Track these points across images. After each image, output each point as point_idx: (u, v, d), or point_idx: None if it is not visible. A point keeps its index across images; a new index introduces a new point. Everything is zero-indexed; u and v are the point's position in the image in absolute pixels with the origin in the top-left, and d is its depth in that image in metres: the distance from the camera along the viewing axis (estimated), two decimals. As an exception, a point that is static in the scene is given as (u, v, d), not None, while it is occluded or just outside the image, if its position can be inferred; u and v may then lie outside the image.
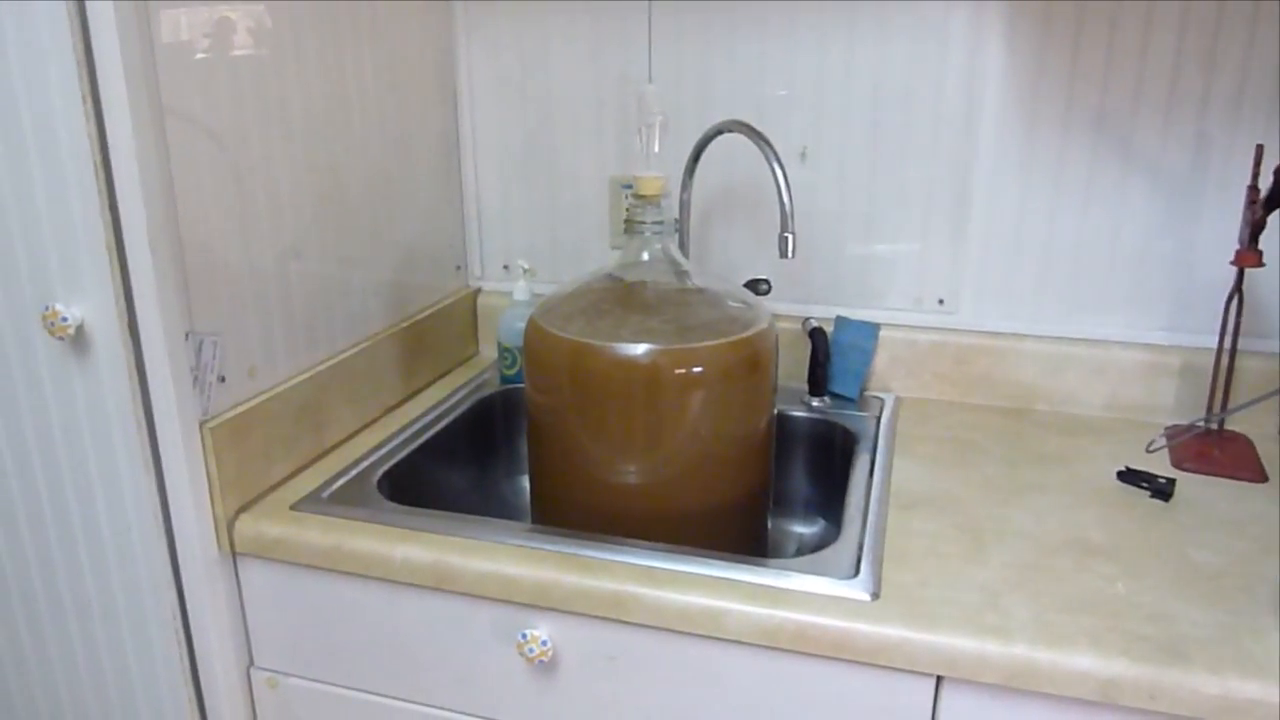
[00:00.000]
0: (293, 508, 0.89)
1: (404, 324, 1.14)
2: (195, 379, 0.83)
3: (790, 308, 1.19)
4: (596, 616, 0.78)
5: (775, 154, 0.96)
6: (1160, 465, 0.96)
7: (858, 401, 1.14)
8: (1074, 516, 0.87)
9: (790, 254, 0.96)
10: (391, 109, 1.10)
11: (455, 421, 1.09)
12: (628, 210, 0.92)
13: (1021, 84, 1.05)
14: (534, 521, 0.96)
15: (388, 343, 1.11)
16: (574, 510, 0.92)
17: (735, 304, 0.96)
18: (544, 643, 0.80)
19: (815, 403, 1.13)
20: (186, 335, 0.82)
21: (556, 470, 0.92)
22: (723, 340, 0.89)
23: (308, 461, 0.97)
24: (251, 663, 0.93)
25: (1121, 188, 1.05)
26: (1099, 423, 1.08)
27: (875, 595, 0.74)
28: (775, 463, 1.12)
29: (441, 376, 1.23)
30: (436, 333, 1.22)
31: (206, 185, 0.82)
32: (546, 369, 0.90)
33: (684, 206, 1.13)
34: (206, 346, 0.84)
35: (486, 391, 1.17)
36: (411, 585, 0.83)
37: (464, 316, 1.29)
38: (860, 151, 1.12)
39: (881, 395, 1.15)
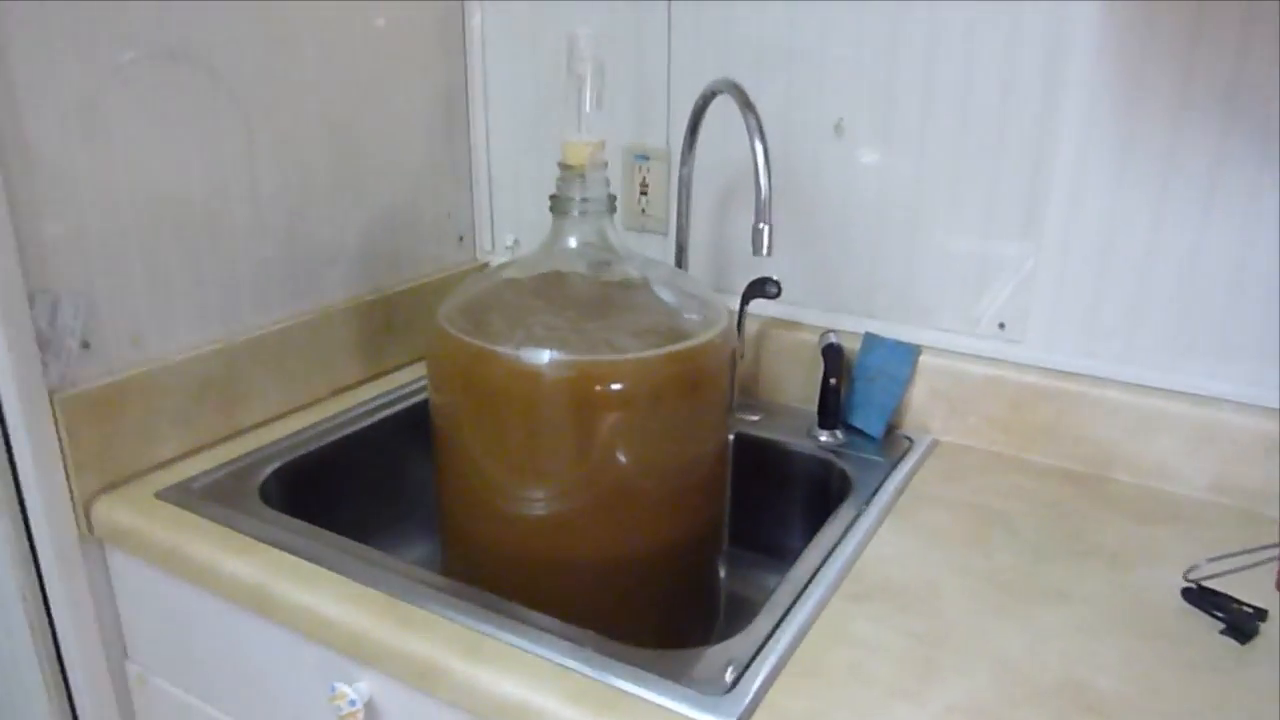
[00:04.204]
0: (158, 495, 0.79)
1: (371, 297, 1.02)
2: (45, 344, 0.74)
3: (813, 316, 0.97)
4: (409, 683, 0.63)
5: (758, 122, 0.76)
6: (1255, 585, 0.68)
7: (881, 441, 0.91)
8: (1089, 647, 0.62)
9: (765, 251, 0.76)
10: (366, 48, 0.97)
11: (400, 414, 0.97)
12: (557, 184, 0.74)
13: (1121, 47, 0.78)
14: (443, 552, 0.82)
15: (345, 316, 0.99)
16: (475, 544, 0.77)
17: (682, 305, 0.77)
18: (352, 702, 0.65)
19: (823, 437, 0.91)
20: (32, 295, 0.73)
21: (456, 494, 0.77)
22: (653, 353, 0.70)
23: (209, 443, 0.87)
24: (126, 655, 0.85)
25: (1256, 191, 0.76)
26: (1193, 508, 0.80)
27: (736, 727, 0.55)
28: (767, 505, 0.93)
29: (423, 358, 1.11)
30: (424, 309, 1.09)
31: (70, 106, 0.73)
32: (443, 374, 0.75)
33: (683, 185, 0.94)
34: (65, 308, 0.75)
35: (458, 380, 1.04)
36: (244, 606, 0.71)
37: (466, 293, 1.16)
38: (908, 127, 0.88)
39: (913, 437, 0.92)
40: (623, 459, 0.71)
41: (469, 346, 0.70)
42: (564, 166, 0.73)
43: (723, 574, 0.85)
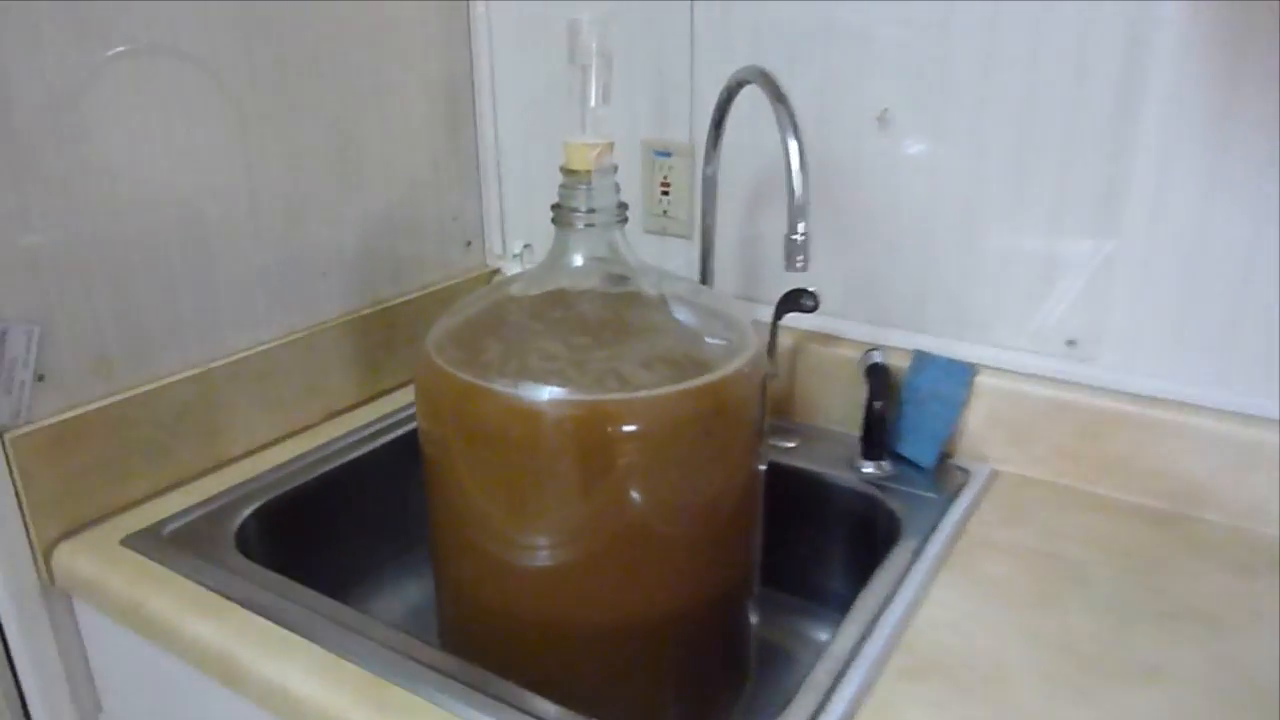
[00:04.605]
0: (124, 541, 0.71)
1: (368, 310, 0.94)
2: (-7, 376, 0.67)
3: (855, 329, 0.87)
4: (388, 778, 0.55)
5: (790, 115, 0.66)
6: (1386, 661, 0.58)
7: (933, 472, 0.81)
8: (1190, 743, 0.52)
9: (799, 265, 0.66)
10: (364, 39, 0.88)
11: (400, 440, 0.88)
12: (560, 192, 0.65)
13: (1214, 24, 0.66)
14: (438, 603, 0.73)
15: (340, 332, 0.91)
16: (471, 598, 0.68)
17: (704, 327, 0.67)
18: (323, 797, 0.57)
19: (868, 468, 0.81)
20: (-27, 323, 0.65)
21: (448, 537, 0.68)
22: (668, 389, 0.61)
23: (187, 478, 0.79)
24: (100, 709, 0.78)
25: (1384, 191, 0.64)
26: (1302, 558, 0.69)
27: None
28: (804, 542, 0.83)
29: (430, 374, 1.02)
30: (428, 321, 1.01)
31: (44, 102, 0.65)
32: (431, 406, 0.66)
33: (708, 184, 0.84)
34: (15, 337, 0.68)
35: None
36: (209, 674, 0.63)
37: (476, 302, 1.07)
38: (963, 116, 0.77)
39: (969, 467, 0.81)
40: (634, 505, 0.62)
41: (457, 381, 0.61)
42: (566, 172, 0.64)
43: (754, 620, 0.76)
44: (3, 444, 0.67)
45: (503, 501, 0.63)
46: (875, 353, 0.83)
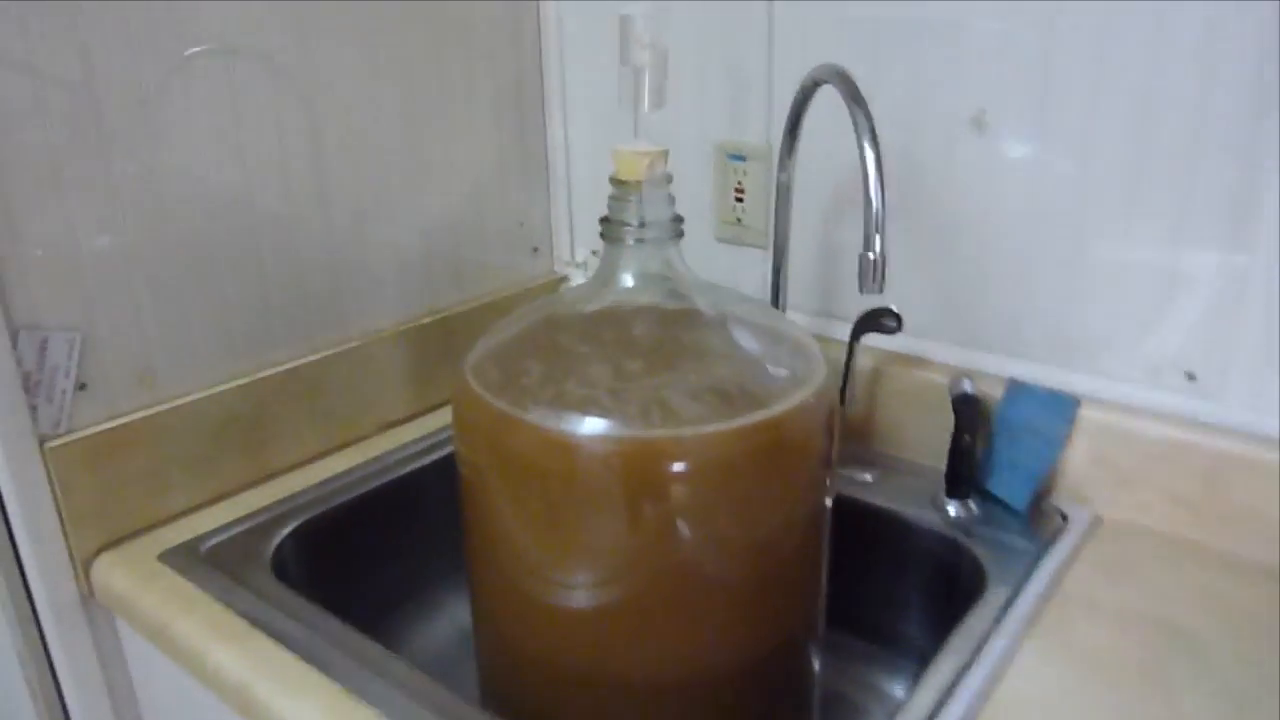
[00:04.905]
0: (161, 557, 0.69)
1: (426, 319, 0.91)
2: (33, 387, 0.65)
3: (943, 352, 0.79)
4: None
5: (868, 120, 0.60)
6: None
7: (1026, 516, 0.72)
8: None
9: (875, 286, 0.59)
10: (432, 36, 0.85)
11: (444, 460, 0.84)
12: (609, 204, 0.60)
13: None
14: (476, 641, 0.69)
15: (396, 341, 0.88)
16: (509, 641, 0.63)
17: (767, 353, 0.61)
18: None
19: (952, 509, 0.73)
20: (14, 333, 0.64)
21: (485, 570, 0.64)
22: (722, 426, 0.55)
23: (231, 490, 0.77)
24: (143, 724, 0.77)
25: None
26: None
27: None
28: (876, 583, 0.76)
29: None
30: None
31: (55, 113, 0.63)
32: (466, 431, 0.61)
33: (782, 192, 0.77)
34: (56, 345, 0.66)
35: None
36: (229, 706, 0.61)
37: (542, 310, 1.03)
38: (1071, 120, 0.69)
39: (1069, 512, 0.72)
40: (681, 547, 0.56)
41: (492, 407, 0.57)
42: (616, 182, 0.58)
43: (818, 667, 0.69)
44: (42, 454, 0.66)
45: (539, 537, 0.58)
46: (965, 380, 0.75)
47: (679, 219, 0.59)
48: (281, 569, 0.69)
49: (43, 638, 0.71)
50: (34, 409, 0.66)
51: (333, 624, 0.62)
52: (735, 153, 0.87)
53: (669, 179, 0.58)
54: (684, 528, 0.55)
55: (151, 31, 0.67)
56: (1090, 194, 0.69)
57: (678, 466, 0.54)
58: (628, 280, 0.60)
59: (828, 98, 0.71)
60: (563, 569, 0.58)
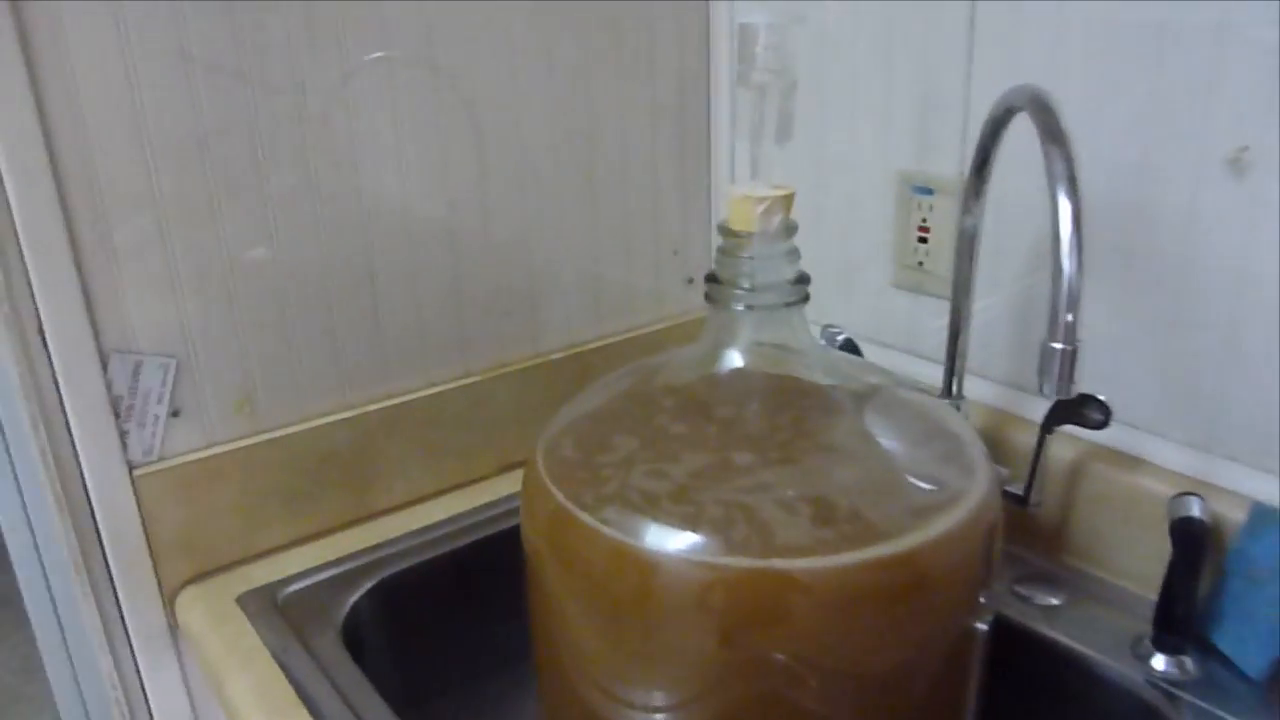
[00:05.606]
0: (239, 599, 0.66)
1: (559, 354, 0.83)
2: (125, 412, 0.63)
3: (1166, 453, 0.62)
4: None
5: (1066, 161, 0.45)
6: None
7: (1263, 687, 0.54)
8: None
9: (1055, 389, 0.45)
10: (595, 53, 0.77)
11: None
12: (716, 258, 0.49)
13: None
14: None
15: (523, 377, 0.81)
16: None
17: (912, 455, 0.48)
18: None
19: (1159, 662, 0.56)
20: (105, 357, 0.62)
21: (549, 670, 0.55)
22: (836, 560, 0.43)
23: (328, 529, 0.73)
24: (229, 759, 0.74)
25: None
26: None
27: None
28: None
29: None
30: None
31: (169, 123, 0.61)
32: (529, 514, 0.52)
33: (964, 238, 0.63)
34: (150, 370, 0.64)
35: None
36: (266, 785, 0.55)
37: (694, 347, 0.93)
38: (1378, 165, 0.50)
39: (1330, 689, 0.54)
40: (780, 683, 0.45)
41: (552, 499, 0.47)
42: (726, 232, 0.47)
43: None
44: (131, 481, 0.64)
45: (606, 650, 0.48)
46: (1193, 499, 0.57)
47: (803, 279, 0.47)
48: (355, 627, 0.64)
49: (136, 665, 0.70)
50: (124, 434, 0.63)
51: (379, 709, 0.55)
52: (922, 185, 0.73)
53: (792, 229, 0.47)
54: (785, 663, 0.44)
55: (340, 33, 0.65)
56: (1400, 267, 0.50)
57: (782, 604, 0.43)
58: (734, 352, 0.49)
59: (1030, 124, 0.56)
60: (631, 687, 0.48)
